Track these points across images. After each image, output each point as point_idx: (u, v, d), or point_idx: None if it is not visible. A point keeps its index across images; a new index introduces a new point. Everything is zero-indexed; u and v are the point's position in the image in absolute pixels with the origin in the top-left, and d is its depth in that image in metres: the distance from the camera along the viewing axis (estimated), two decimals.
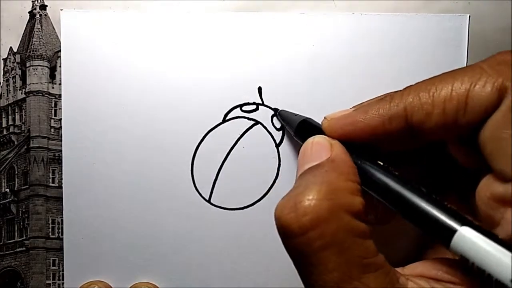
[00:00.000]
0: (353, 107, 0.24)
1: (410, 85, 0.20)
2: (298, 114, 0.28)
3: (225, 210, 0.30)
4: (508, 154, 0.17)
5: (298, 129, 0.27)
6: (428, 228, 0.18)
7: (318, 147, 0.21)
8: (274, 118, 0.30)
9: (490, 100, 0.18)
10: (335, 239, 0.17)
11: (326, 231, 0.17)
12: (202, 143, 0.30)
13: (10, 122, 0.43)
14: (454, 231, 0.17)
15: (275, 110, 0.29)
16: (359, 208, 0.19)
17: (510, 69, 0.18)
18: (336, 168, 0.20)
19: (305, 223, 0.18)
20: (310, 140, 0.22)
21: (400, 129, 0.20)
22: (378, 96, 0.23)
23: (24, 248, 0.42)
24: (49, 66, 0.42)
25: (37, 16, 0.41)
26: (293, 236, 0.18)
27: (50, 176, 0.42)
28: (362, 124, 0.21)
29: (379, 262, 0.18)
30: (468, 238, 0.17)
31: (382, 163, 0.21)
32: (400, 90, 0.20)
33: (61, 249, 0.31)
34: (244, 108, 0.30)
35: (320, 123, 0.24)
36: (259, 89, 0.30)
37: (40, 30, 0.42)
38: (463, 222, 0.17)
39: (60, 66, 0.40)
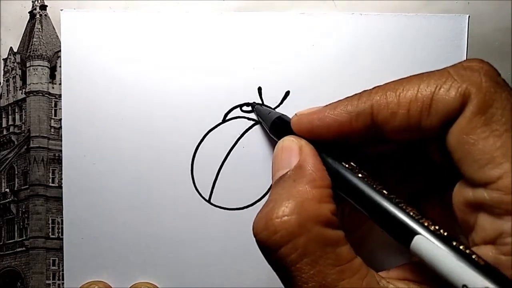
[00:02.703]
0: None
1: (379, 85, 0.20)
2: (273, 111, 0.28)
3: (225, 210, 0.30)
4: (474, 160, 0.18)
5: (273, 127, 0.27)
6: (390, 230, 0.19)
7: (288, 152, 0.22)
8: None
9: (453, 105, 0.18)
10: (307, 251, 0.18)
11: (297, 244, 0.18)
12: (202, 143, 0.30)
13: (10, 122, 0.43)
14: (413, 235, 0.18)
15: (252, 105, 0.29)
16: (328, 215, 0.19)
17: (475, 75, 0.18)
18: (303, 176, 0.20)
19: (277, 240, 0.18)
20: (280, 143, 0.22)
21: (366, 127, 0.20)
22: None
23: (24, 248, 0.42)
24: (49, 66, 0.42)
25: (37, 16, 0.41)
26: (269, 252, 0.19)
27: (50, 176, 0.42)
28: (329, 120, 0.21)
29: (354, 267, 0.18)
30: (424, 243, 0.17)
31: (349, 163, 0.21)
32: (370, 89, 0.21)
33: (61, 249, 0.31)
34: (244, 108, 0.30)
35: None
36: (259, 89, 0.30)
37: (40, 30, 0.42)
38: (421, 227, 0.18)
39: (60, 66, 0.40)
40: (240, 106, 0.30)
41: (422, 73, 0.20)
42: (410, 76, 0.20)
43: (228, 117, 0.30)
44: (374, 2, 0.36)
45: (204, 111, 0.29)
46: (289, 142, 0.22)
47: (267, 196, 0.29)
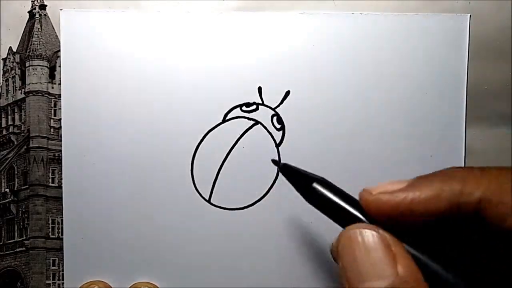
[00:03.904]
0: (391, 181, 0.19)
1: (484, 168, 0.17)
2: (305, 172, 0.22)
3: (225, 210, 0.30)
4: None
5: (310, 194, 0.21)
6: None
7: (375, 254, 0.17)
8: (274, 118, 0.30)
9: None
10: None
11: None
12: (202, 143, 0.30)
13: (10, 122, 0.43)
14: None
15: (276, 163, 0.28)
16: None
17: None
18: None
19: None
20: (357, 237, 0.17)
21: (466, 218, 0.17)
22: (434, 174, 0.18)
23: (24, 248, 0.42)
24: (48, 66, 0.42)
25: (37, 16, 0.41)
26: None
27: (50, 176, 0.42)
28: (424, 205, 0.17)
29: None
30: None
31: (448, 268, 0.17)
32: (472, 171, 0.17)
33: (61, 249, 0.31)
34: (244, 108, 0.30)
35: (358, 196, 0.19)
36: (259, 89, 0.30)
37: (40, 30, 0.42)
38: None
39: (59, 66, 0.40)
40: (240, 106, 0.30)
41: None
42: None
43: (228, 117, 0.30)
44: (374, 2, 0.36)
45: (204, 111, 0.29)
46: (370, 237, 0.17)
47: (267, 196, 0.29)
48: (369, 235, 0.17)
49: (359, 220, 0.18)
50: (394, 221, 0.17)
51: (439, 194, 0.17)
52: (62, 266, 0.30)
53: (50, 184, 0.42)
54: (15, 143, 0.42)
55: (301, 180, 0.22)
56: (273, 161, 0.28)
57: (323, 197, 0.20)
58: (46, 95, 0.42)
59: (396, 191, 0.18)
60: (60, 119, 0.42)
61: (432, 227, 0.18)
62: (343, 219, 0.19)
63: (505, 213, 0.16)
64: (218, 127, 0.30)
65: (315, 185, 0.21)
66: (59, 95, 0.42)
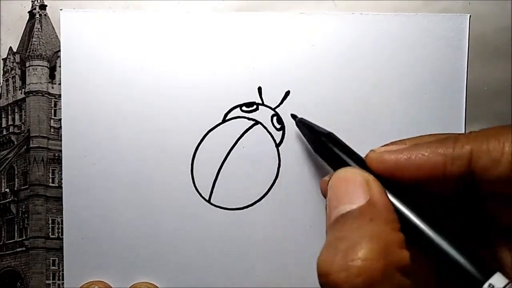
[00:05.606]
0: (395, 142, 0.22)
1: (475, 131, 0.19)
2: (319, 127, 0.27)
3: (225, 210, 0.30)
4: None
5: (319, 146, 0.25)
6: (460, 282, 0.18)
7: (353, 186, 0.19)
8: (274, 118, 0.30)
9: None
10: None
11: None
12: (202, 143, 0.30)
13: (10, 122, 0.43)
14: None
15: (294, 117, 0.29)
16: (407, 262, 0.18)
17: None
18: (380, 216, 0.18)
19: (357, 285, 0.17)
20: (342, 174, 0.20)
21: (461, 174, 0.19)
22: (433, 135, 0.21)
23: (24, 248, 0.42)
24: (48, 66, 0.42)
25: (37, 16, 0.41)
26: None
27: (50, 176, 0.42)
28: (421, 161, 0.19)
29: None
30: None
31: (417, 205, 0.19)
32: (465, 133, 0.19)
33: (61, 249, 0.31)
34: (244, 108, 0.30)
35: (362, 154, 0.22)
36: (259, 89, 0.30)
37: (40, 30, 0.42)
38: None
39: (59, 66, 0.40)
40: (240, 106, 0.30)
41: None
42: (510, 124, 0.19)
43: (228, 117, 0.30)
44: (374, 2, 0.36)
45: (204, 111, 0.29)
46: (353, 174, 0.20)
47: (267, 196, 0.29)
48: (351, 171, 0.20)
49: None
50: (394, 177, 0.20)
51: (434, 151, 0.19)
52: (62, 266, 0.30)
53: (50, 184, 0.42)
54: (15, 143, 0.42)
55: (312, 134, 0.26)
56: (292, 115, 0.29)
57: (329, 150, 0.24)
58: (46, 95, 0.42)
59: (397, 150, 0.20)
60: (60, 119, 0.42)
61: (434, 192, 0.20)
62: None
63: (494, 160, 0.18)
64: (218, 127, 0.30)
65: (323, 139, 0.24)
66: (59, 95, 0.42)
